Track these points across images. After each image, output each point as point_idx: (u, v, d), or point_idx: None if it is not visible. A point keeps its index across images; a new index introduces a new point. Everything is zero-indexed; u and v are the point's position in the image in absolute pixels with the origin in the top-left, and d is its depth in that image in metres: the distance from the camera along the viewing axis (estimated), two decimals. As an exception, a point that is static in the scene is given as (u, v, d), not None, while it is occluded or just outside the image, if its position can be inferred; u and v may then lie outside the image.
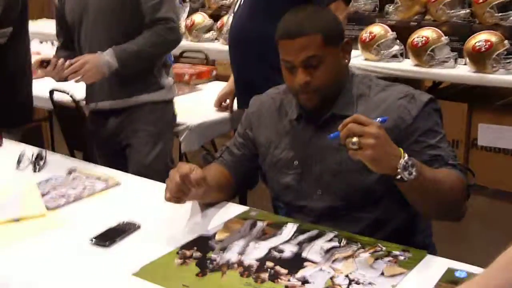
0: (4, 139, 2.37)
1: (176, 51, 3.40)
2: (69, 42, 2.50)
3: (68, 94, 2.94)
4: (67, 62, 2.15)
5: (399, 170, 1.35)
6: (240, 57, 2.65)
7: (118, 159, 2.45)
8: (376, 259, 1.39)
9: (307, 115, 1.66)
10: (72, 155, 3.12)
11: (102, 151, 2.62)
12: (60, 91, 3.01)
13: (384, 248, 1.44)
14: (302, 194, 1.66)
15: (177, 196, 1.50)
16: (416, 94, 1.60)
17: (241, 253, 1.45)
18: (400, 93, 1.60)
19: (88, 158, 2.66)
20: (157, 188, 1.91)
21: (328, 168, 1.61)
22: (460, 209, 1.54)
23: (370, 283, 1.29)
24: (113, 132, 2.50)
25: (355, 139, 1.31)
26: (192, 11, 5.11)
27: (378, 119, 1.39)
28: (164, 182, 1.56)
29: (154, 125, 2.47)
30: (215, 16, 4.84)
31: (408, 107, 1.56)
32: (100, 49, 2.27)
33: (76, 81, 2.21)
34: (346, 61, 1.64)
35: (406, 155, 1.36)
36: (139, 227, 1.60)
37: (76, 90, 2.90)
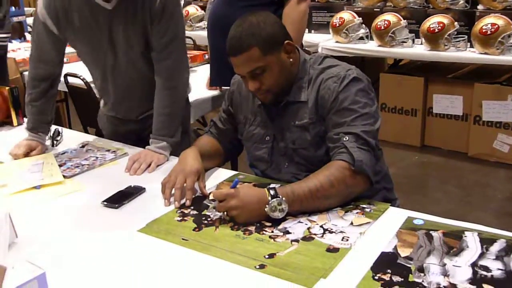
0: (25, 119, 2.33)
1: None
2: (52, 84, 1.99)
3: (80, 77, 2.88)
4: (131, 170, 1.76)
5: (270, 214, 1.34)
6: (218, 41, 2.55)
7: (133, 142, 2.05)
8: (346, 211, 1.39)
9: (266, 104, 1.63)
10: (86, 131, 3.08)
11: (117, 139, 2.13)
12: (73, 75, 2.96)
13: (352, 203, 1.43)
14: (273, 165, 1.65)
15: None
16: (344, 75, 1.50)
17: (231, 209, 1.44)
18: (331, 75, 1.52)
19: (99, 133, 2.63)
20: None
21: (288, 145, 1.59)
22: (357, 190, 1.42)
23: (341, 232, 1.29)
24: (132, 130, 2.15)
25: (225, 213, 1.38)
26: (186, 4, 5.06)
27: (233, 184, 1.40)
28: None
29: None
30: (206, 8, 4.78)
31: (332, 87, 1.50)
32: (131, 84, 1.97)
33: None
34: (291, 60, 1.53)
35: (270, 198, 1.33)
36: (144, 190, 1.59)
37: (87, 73, 2.85)
